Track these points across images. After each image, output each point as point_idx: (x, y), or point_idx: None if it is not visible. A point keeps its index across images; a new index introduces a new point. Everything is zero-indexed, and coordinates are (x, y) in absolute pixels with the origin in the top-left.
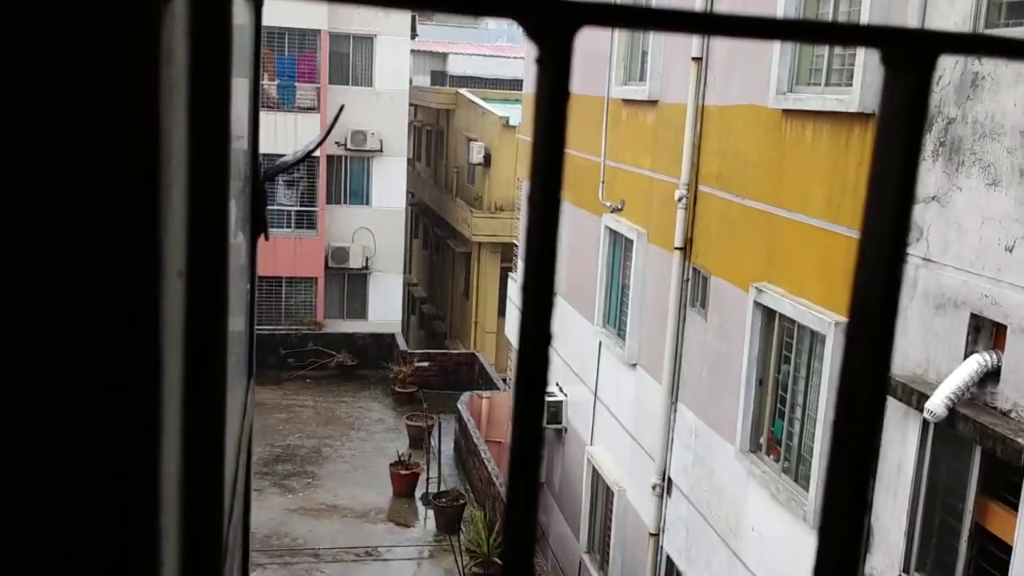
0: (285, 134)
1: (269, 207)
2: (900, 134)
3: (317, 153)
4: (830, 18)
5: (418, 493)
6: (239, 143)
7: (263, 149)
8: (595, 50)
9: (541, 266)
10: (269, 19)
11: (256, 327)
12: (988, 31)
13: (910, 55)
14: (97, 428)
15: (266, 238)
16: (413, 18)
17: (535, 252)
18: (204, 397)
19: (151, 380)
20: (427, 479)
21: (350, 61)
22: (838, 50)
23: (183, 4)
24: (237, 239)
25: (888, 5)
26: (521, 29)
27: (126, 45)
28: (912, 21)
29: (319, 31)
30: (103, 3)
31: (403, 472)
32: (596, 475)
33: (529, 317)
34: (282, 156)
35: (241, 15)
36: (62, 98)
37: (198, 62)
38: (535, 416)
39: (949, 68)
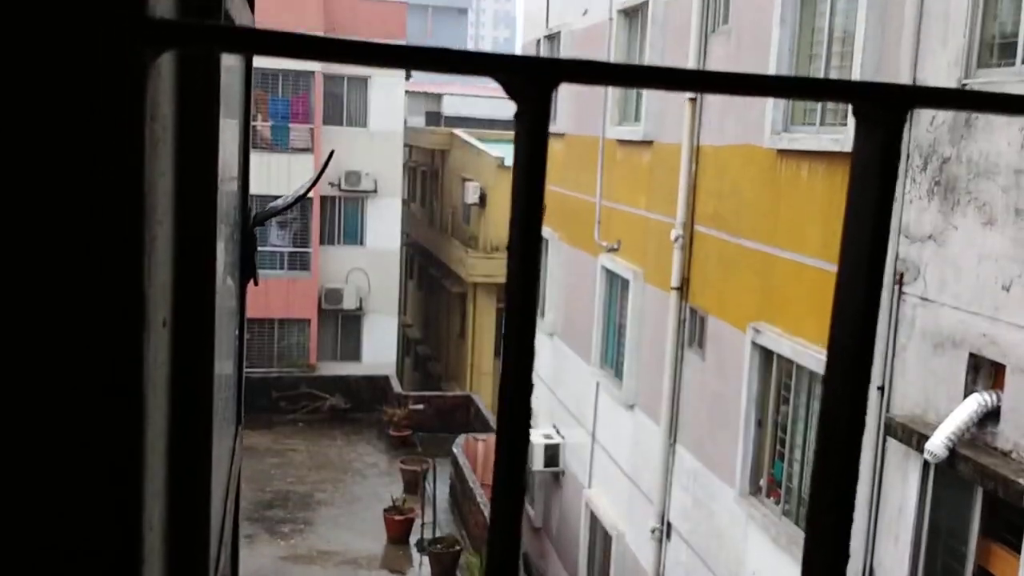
0: (279, 175)
1: (261, 248)
2: (872, 185)
3: (311, 194)
4: (824, 59)
5: (413, 539)
6: (229, 186)
7: (256, 190)
8: (590, 90)
9: (523, 316)
10: (263, 61)
11: (248, 370)
12: (980, 70)
13: (880, 109)
14: (76, 480)
15: (255, 283)
16: None
17: (516, 302)
18: (190, 447)
19: (133, 430)
20: (422, 525)
21: (344, 102)
22: None
23: (170, 61)
24: (226, 284)
25: (880, 46)
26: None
27: (112, 102)
28: (905, 62)
29: (313, 72)
30: (90, 61)
31: (397, 518)
32: (594, 519)
33: (510, 369)
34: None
35: (231, 59)
36: (48, 151)
37: (185, 116)
38: (518, 463)
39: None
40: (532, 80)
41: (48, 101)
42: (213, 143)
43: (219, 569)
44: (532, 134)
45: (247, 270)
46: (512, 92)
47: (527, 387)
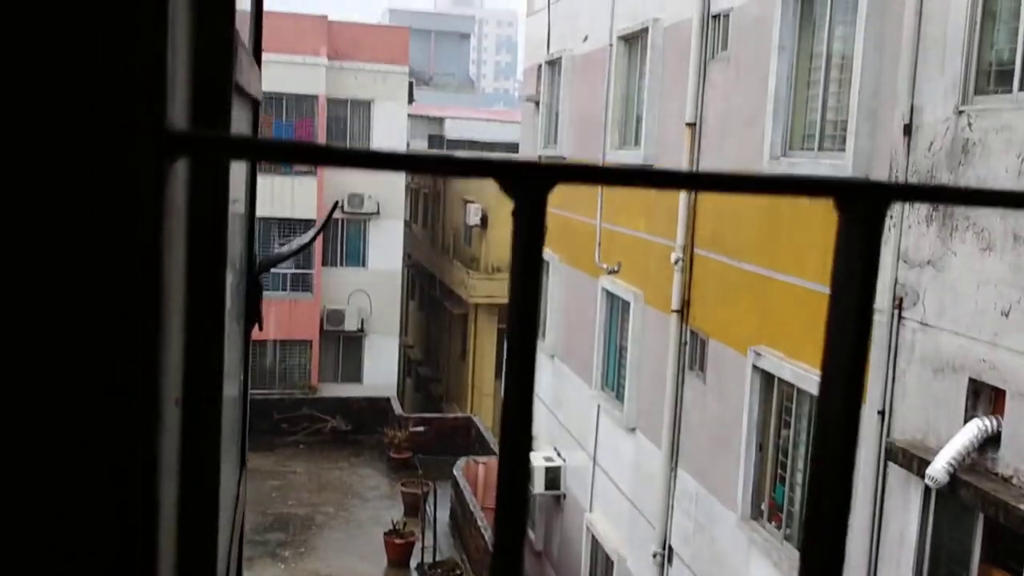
0: (282, 197)
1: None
2: (855, 277)
3: (314, 216)
4: (822, 84)
5: (413, 563)
6: (236, 234)
7: (260, 213)
8: (590, 114)
9: (518, 409)
10: (268, 85)
11: (249, 392)
12: (978, 97)
13: (862, 204)
14: (91, 554)
15: (260, 328)
16: (410, 84)
17: (513, 394)
18: (198, 523)
19: (148, 512)
20: (422, 548)
21: (348, 125)
22: (831, 115)
23: (184, 162)
24: (231, 332)
25: (878, 72)
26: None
27: (131, 208)
28: (902, 88)
29: (317, 96)
30: (112, 171)
31: (398, 541)
32: (595, 543)
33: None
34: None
35: (238, 112)
36: (69, 255)
37: (196, 201)
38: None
39: (940, 133)
40: (529, 183)
41: (69, 210)
42: (222, 225)
43: None
44: (528, 232)
45: (251, 316)
46: (510, 192)
47: (527, 434)
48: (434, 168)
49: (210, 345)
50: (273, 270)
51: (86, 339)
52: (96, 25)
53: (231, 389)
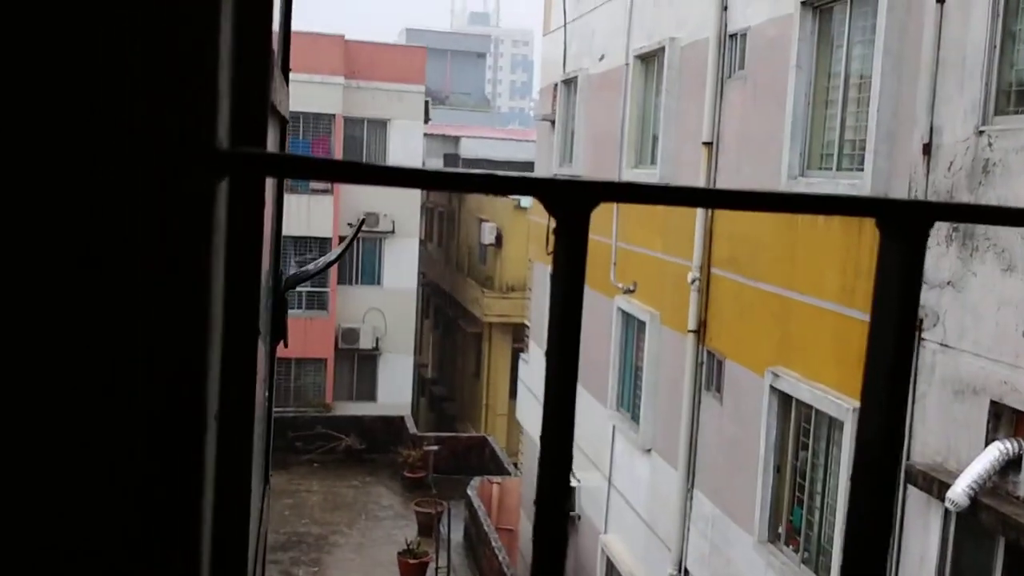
0: (298, 216)
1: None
2: (895, 296)
3: (329, 234)
4: (840, 104)
5: None
6: (264, 254)
7: None
8: (606, 133)
9: (561, 418)
10: None
11: (273, 409)
12: (998, 117)
13: (904, 224)
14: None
15: (285, 346)
16: (426, 103)
17: (554, 405)
18: (230, 538)
19: (194, 533)
20: (436, 568)
21: (364, 144)
22: (848, 135)
23: (226, 180)
24: (260, 350)
25: (897, 92)
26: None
27: (183, 225)
28: (921, 108)
29: (334, 115)
30: (165, 189)
31: (411, 561)
32: (610, 565)
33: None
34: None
35: (270, 131)
36: (124, 265)
37: (235, 229)
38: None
39: (960, 153)
40: (572, 200)
41: (121, 226)
42: (258, 243)
43: None
44: (572, 249)
45: (277, 332)
46: (552, 210)
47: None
48: (477, 187)
49: (244, 361)
50: None
51: (133, 354)
52: (151, 42)
53: (258, 407)
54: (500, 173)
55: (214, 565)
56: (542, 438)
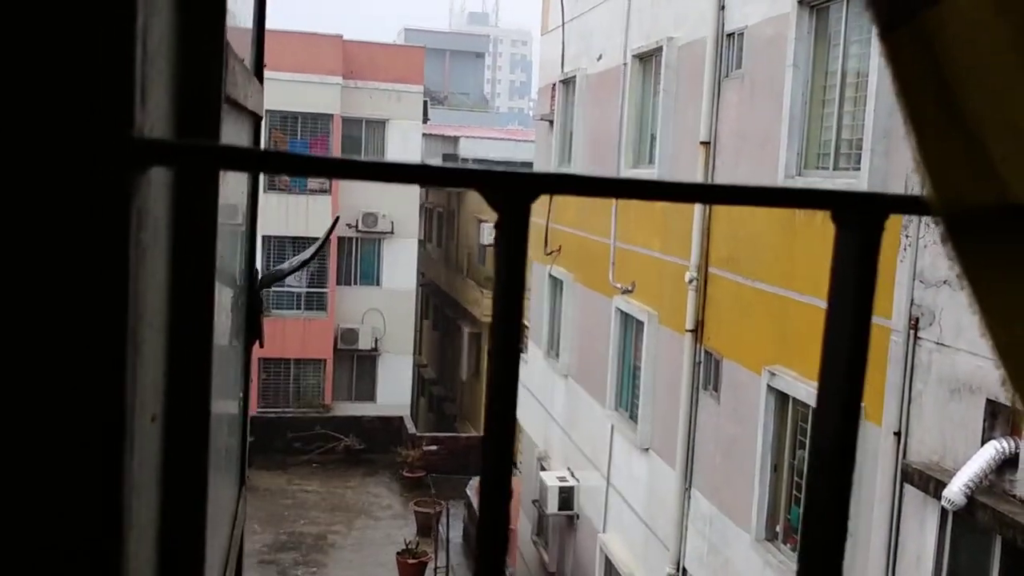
0: (296, 216)
1: (279, 288)
2: (851, 287)
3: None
4: (837, 103)
5: None
6: (234, 251)
7: (275, 231)
8: (605, 133)
9: (502, 421)
10: (283, 104)
11: (263, 410)
12: None
13: (859, 216)
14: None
15: (261, 345)
16: (425, 102)
17: (495, 407)
18: (184, 528)
19: (115, 535)
20: (435, 568)
21: (362, 144)
22: (845, 134)
23: (163, 171)
24: (231, 349)
25: (892, 102)
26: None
27: (97, 220)
28: None
29: (332, 116)
30: (77, 181)
31: (411, 561)
32: (609, 564)
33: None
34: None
35: (234, 126)
36: (34, 266)
37: (181, 212)
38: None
39: None
40: (512, 194)
41: (35, 219)
42: (210, 238)
43: None
44: (512, 242)
45: (252, 332)
46: (493, 204)
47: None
48: (416, 178)
49: (196, 361)
50: (287, 289)
51: (47, 352)
52: (59, 28)
53: (228, 406)
54: (435, 164)
55: (164, 569)
56: (485, 431)
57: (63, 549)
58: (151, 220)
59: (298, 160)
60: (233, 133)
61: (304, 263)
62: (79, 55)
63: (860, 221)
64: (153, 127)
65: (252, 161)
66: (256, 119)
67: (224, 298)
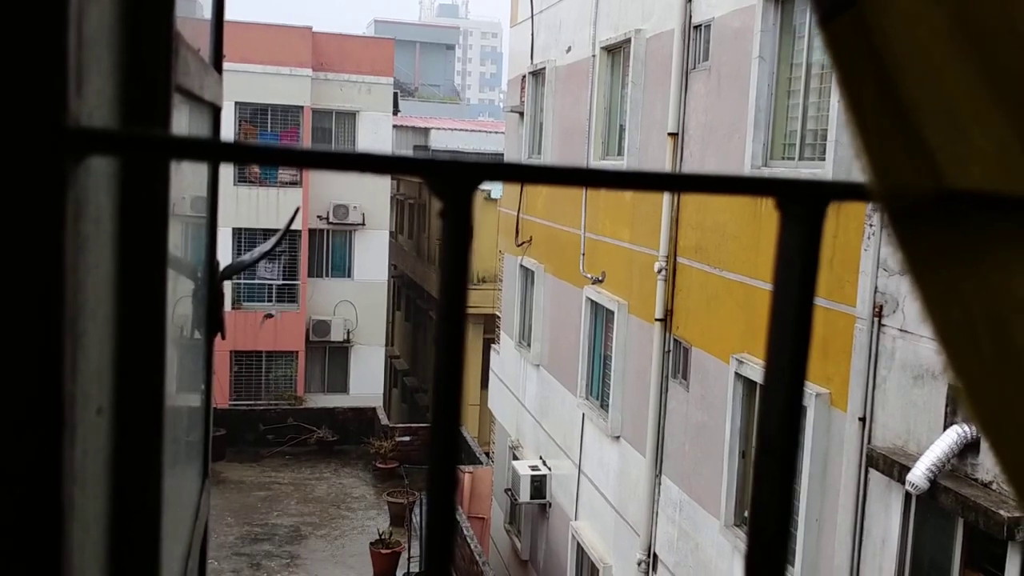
0: (267, 208)
1: (251, 281)
2: (795, 276)
3: (299, 227)
4: (802, 94)
5: (399, 573)
6: (195, 241)
7: (246, 224)
8: (574, 124)
9: (447, 409)
10: (253, 96)
11: (235, 402)
12: None
13: (802, 204)
14: None
15: (222, 337)
16: (395, 94)
17: (441, 397)
18: (135, 534)
19: (54, 525)
20: (408, 558)
21: (332, 136)
22: (811, 124)
23: (107, 162)
24: (191, 341)
25: None
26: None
27: (29, 211)
28: None
29: (302, 107)
30: (6, 163)
31: (384, 551)
32: (581, 551)
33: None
34: (265, 230)
35: (191, 117)
36: None
37: (128, 200)
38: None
39: None
40: (454, 181)
41: None
42: (160, 229)
43: None
44: (456, 231)
45: (214, 325)
46: (436, 192)
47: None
48: (360, 166)
49: (148, 353)
50: (259, 281)
51: None
52: None
53: (188, 398)
54: (378, 152)
55: (115, 564)
56: (432, 417)
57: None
58: (91, 210)
59: (241, 149)
60: (189, 124)
61: (265, 254)
62: (5, 40)
63: (804, 208)
64: (92, 115)
65: (195, 150)
66: (215, 110)
67: (181, 289)
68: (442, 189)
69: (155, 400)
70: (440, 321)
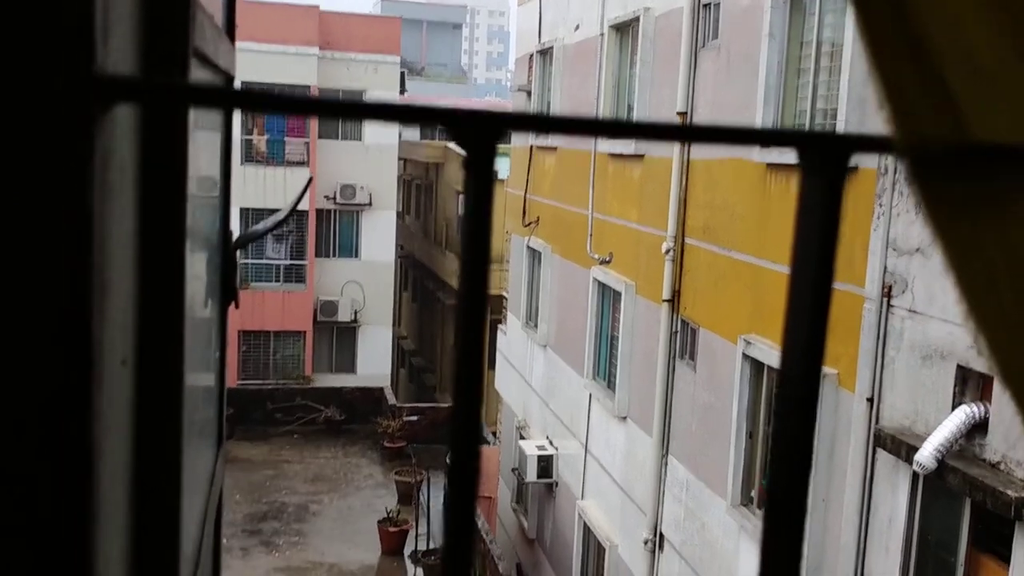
0: (275, 188)
1: (258, 261)
2: (816, 231)
3: (306, 207)
4: (812, 72)
5: (407, 551)
6: (208, 209)
7: (253, 203)
8: (582, 103)
9: (470, 360)
10: (260, 75)
11: (244, 382)
12: None
13: (823, 157)
14: (24, 526)
15: (236, 306)
16: (402, 73)
17: (463, 347)
18: (156, 486)
19: (83, 472)
20: (416, 536)
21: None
22: (820, 103)
23: (128, 109)
24: (206, 308)
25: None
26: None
27: (58, 158)
28: None
29: (309, 87)
30: (37, 118)
31: (392, 529)
32: (587, 530)
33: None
34: (272, 210)
35: (204, 80)
36: None
37: (150, 154)
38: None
39: None
40: (478, 131)
41: None
42: (181, 192)
43: None
44: (480, 179)
45: (228, 293)
46: (460, 141)
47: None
48: (379, 115)
49: (168, 306)
50: (266, 261)
51: (13, 291)
52: None
53: (205, 365)
54: (397, 103)
55: (137, 515)
56: (454, 390)
57: (29, 478)
58: (117, 160)
59: (264, 98)
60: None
61: (278, 223)
62: None
63: (825, 159)
64: (116, 67)
65: (217, 98)
66: (228, 78)
67: (197, 253)
68: (466, 139)
69: (175, 352)
70: (463, 272)
